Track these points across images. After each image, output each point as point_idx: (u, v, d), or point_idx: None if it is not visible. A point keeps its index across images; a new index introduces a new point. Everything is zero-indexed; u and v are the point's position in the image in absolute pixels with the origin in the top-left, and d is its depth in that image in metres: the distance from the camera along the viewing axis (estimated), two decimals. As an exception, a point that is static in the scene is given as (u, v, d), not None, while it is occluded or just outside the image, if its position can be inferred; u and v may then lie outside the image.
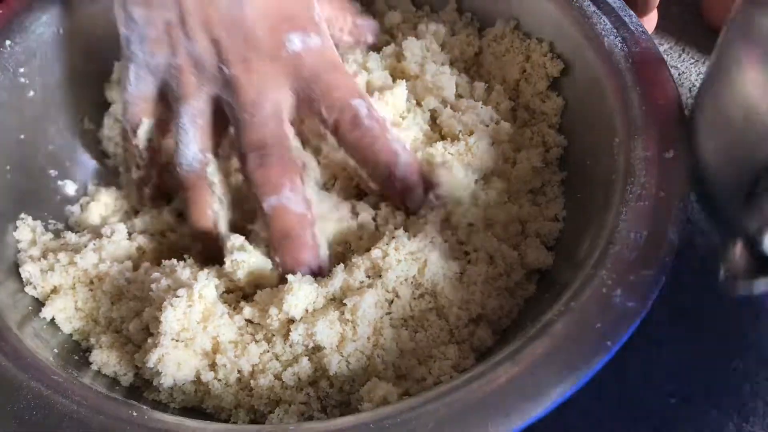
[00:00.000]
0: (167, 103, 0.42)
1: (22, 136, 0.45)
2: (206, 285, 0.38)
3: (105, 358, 0.39)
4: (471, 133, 0.45)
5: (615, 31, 0.43)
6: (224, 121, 0.42)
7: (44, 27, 0.46)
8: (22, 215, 0.44)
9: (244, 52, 0.39)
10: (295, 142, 0.41)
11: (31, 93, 0.45)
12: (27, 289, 0.41)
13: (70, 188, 0.47)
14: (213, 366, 0.38)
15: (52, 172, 0.47)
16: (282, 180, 0.39)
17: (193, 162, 0.41)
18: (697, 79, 0.58)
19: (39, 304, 0.41)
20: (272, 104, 0.40)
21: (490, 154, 0.44)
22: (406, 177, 0.41)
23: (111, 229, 0.43)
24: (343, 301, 0.38)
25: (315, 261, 0.40)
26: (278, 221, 0.39)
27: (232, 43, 0.39)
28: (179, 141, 0.41)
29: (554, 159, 0.46)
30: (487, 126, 0.46)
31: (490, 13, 0.50)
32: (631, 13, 0.44)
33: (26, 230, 0.43)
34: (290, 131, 0.41)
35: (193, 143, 0.41)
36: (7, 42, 0.44)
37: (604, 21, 0.43)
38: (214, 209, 0.42)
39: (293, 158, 0.40)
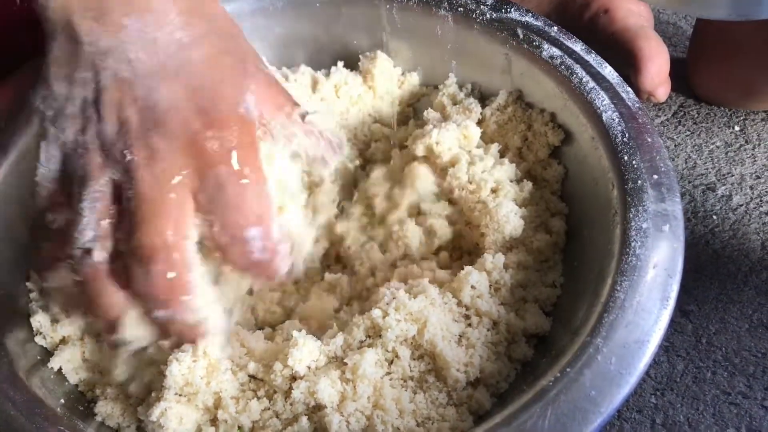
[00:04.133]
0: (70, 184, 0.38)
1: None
2: (210, 342, 0.39)
3: (109, 410, 0.40)
4: (495, 191, 0.46)
5: (613, 106, 0.44)
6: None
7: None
8: None
9: (151, 139, 0.36)
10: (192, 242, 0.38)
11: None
12: (37, 338, 0.42)
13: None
14: (214, 421, 0.38)
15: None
16: (169, 297, 0.37)
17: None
18: (692, 151, 0.60)
19: (47, 353, 0.42)
20: (172, 202, 0.36)
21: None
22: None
23: None
24: (344, 360, 0.39)
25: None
26: (169, 327, 0.38)
27: (141, 126, 0.36)
28: (74, 227, 0.37)
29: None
30: (512, 181, 0.47)
31: (492, 87, 0.52)
32: (629, 89, 0.46)
33: (38, 280, 0.44)
34: (191, 232, 0.37)
35: (88, 230, 0.37)
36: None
37: (602, 97, 0.45)
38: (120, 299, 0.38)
39: (186, 266, 0.37)
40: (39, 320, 0.42)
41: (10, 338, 0.40)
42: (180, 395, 0.38)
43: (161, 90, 0.37)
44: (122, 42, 0.37)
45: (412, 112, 0.55)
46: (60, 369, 0.41)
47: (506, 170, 0.47)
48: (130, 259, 0.36)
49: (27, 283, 0.44)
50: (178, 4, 0.38)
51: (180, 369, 0.38)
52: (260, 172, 0.38)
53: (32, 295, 0.43)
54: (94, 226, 0.37)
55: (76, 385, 0.41)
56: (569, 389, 0.33)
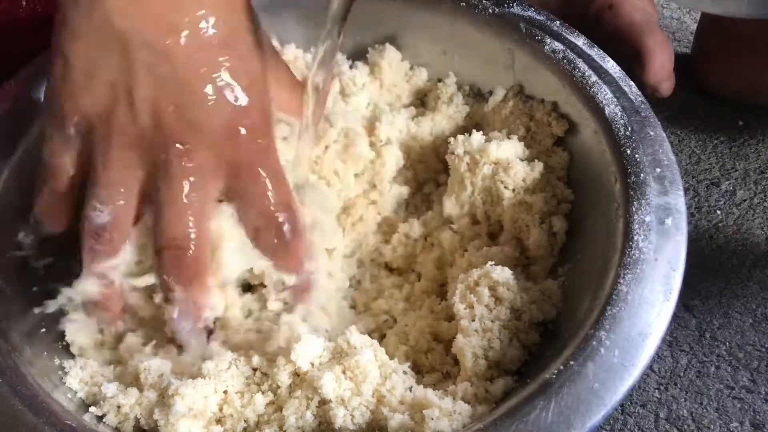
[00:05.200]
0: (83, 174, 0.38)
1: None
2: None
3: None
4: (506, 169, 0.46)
5: (615, 100, 0.44)
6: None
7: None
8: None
9: (186, 138, 0.36)
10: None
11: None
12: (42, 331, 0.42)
13: None
14: (221, 420, 0.39)
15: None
16: (193, 284, 0.39)
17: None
18: (696, 146, 0.60)
19: (54, 349, 0.42)
20: (200, 197, 0.38)
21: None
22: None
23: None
24: (347, 356, 0.39)
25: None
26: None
27: (177, 127, 0.36)
28: (88, 204, 0.38)
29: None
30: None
31: (494, 82, 0.52)
32: (631, 83, 0.46)
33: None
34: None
35: (105, 215, 0.37)
36: (35, 98, 0.46)
37: (605, 90, 0.45)
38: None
39: (208, 257, 0.39)
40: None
41: (15, 332, 0.40)
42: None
43: (197, 88, 0.36)
44: (158, 33, 0.35)
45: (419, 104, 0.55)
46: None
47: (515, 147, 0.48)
48: (159, 251, 0.38)
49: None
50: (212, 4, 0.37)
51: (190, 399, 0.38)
52: (279, 162, 0.40)
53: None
54: (109, 212, 0.37)
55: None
56: (573, 382, 0.33)
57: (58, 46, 0.36)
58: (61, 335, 0.43)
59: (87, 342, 0.43)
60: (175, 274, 0.38)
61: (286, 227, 0.40)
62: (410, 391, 0.38)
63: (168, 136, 0.36)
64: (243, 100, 0.37)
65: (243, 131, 0.37)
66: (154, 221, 0.38)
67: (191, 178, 0.37)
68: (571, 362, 0.34)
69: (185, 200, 0.37)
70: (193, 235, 0.38)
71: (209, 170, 0.37)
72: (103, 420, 0.38)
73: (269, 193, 0.39)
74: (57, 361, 0.41)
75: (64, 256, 0.41)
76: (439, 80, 0.54)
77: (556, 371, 0.34)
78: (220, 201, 0.40)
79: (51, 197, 0.39)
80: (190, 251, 0.38)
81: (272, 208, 0.39)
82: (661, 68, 0.57)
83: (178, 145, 0.36)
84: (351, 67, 0.53)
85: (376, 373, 0.38)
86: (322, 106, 0.44)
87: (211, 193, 0.38)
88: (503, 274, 0.41)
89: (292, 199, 0.41)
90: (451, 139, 0.48)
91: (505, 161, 0.46)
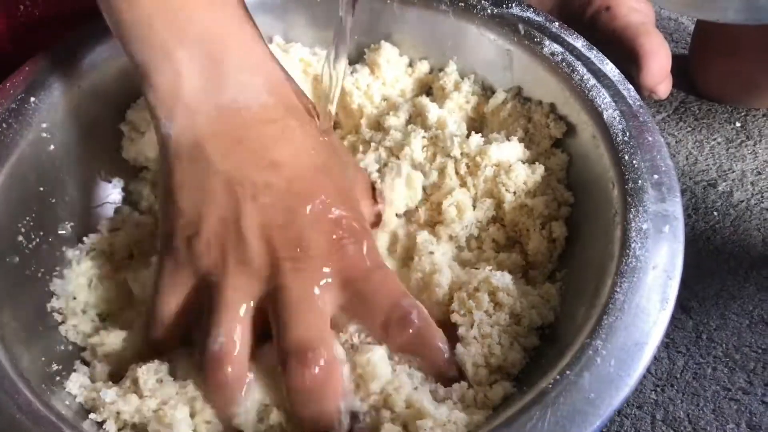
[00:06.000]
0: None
1: (42, 189, 0.46)
2: None
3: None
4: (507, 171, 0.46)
5: (614, 104, 0.44)
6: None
7: (67, 84, 0.48)
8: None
9: (296, 253, 0.39)
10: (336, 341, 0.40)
11: (52, 147, 0.47)
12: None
13: (92, 238, 0.48)
14: None
15: (68, 224, 0.48)
16: (324, 389, 0.38)
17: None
18: (693, 147, 0.60)
19: (54, 355, 0.42)
20: (320, 304, 0.39)
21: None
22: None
23: None
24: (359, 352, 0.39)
25: None
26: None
27: (286, 244, 0.39)
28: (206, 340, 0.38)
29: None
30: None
31: (492, 83, 0.52)
32: (630, 86, 0.46)
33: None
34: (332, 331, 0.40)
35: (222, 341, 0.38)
36: (32, 99, 0.46)
37: (603, 94, 0.45)
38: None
39: (336, 360, 0.38)
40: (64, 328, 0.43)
41: (15, 339, 0.40)
42: None
43: (300, 210, 0.39)
44: (258, 169, 0.39)
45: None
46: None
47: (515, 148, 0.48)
48: (284, 361, 0.37)
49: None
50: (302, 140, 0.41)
51: None
52: (380, 256, 0.42)
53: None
54: (228, 337, 0.38)
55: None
56: (569, 392, 0.33)
57: (168, 194, 0.40)
58: (58, 339, 0.43)
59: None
60: (302, 380, 0.37)
61: (413, 314, 0.39)
62: (416, 390, 0.39)
63: (279, 258, 0.38)
64: (340, 213, 0.40)
65: (345, 240, 0.40)
66: (277, 337, 0.38)
67: (307, 291, 0.38)
68: (568, 372, 0.34)
69: (305, 310, 0.38)
70: (319, 342, 0.38)
71: (322, 280, 0.39)
72: (103, 426, 0.38)
73: (385, 289, 0.40)
74: (55, 366, 0.41)
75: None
76: (440, 70, 0.54)
77: (552, 381, 0.34)
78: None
79: (164, 326, 0.40)
80: (321, 355, 0.37)
81: (392, 300, 0.40)
82: (658, 70, 0.57)
83: (289, 264, 0.38)
84: (352, 72, 0.53)
85: (387, 370, 0.38)
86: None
87: (328, 303, 0.39)
88: (503, 279, 0.42)
89: (402, 287, 0.41)
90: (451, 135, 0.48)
91: (506, 163, 0.46)
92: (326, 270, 0.39)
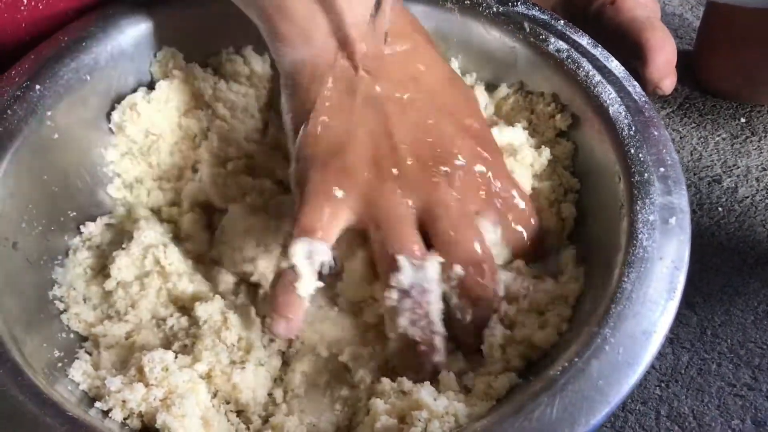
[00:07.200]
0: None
1: (45, 177, 0.46)
2: None
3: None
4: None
5: (619, 100, 0.44)
6: None
7: (72, 73, 0.48)
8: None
9: (446, 167, 0.40)
10: None
11: (56, 135, 0.47)
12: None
13: (90, 228, 0.48)
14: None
15: (70, 213, 0.48)
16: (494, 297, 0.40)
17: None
18: (698, 143, 0.60)
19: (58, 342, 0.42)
20: (470, 213, 0.40)
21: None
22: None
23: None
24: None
25: None
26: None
27: (431, 156, 0.40)
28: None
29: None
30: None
31: (498, 80, 0.52)
32: (635, 83, 0.46)
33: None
34: None
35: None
36: (37, 86, 0.46)
37: (609, 90, 0.45)
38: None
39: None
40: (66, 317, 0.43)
41: (18, 325, 0.40)
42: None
43: (445, 127, 0.41)
44: (401, 83, 0.41)
45: None
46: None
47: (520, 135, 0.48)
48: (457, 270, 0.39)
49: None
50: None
51: None
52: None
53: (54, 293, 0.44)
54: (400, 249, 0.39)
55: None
56: (577, 379, 0.33)
57: (315, 114, 0.40)
58: (60, 327, 0.43)
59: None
60: (479, 285, 0.39)
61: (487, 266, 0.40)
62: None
63: (431, 168, 0.40)
64: (476, 125, 0.42)
65: (482, 151, 0.41)
66: (443, 247, 0.39)
67: (464, 208, 0.40)
68: (576, 359, 0.34)
69: (466, 226, 0.40)
70: (486, 256, 0.40)
71: (470, 188, 0.40)
72: (109, 415, 0.38)
73: (512, 190, 0.42)
74: (57, 353, 0.41)
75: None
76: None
77: (560, 368, 0.34)
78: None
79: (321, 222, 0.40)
80: (485, 263, 0.39)
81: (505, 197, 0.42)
82: (663, 64, 0.57)
83: (443, 180, 0.40)
84: None
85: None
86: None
87: (472, 208, 0.41)
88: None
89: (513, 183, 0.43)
90: None
91: (514, 146, 0.47)
92: (472, 178, 0.40)
